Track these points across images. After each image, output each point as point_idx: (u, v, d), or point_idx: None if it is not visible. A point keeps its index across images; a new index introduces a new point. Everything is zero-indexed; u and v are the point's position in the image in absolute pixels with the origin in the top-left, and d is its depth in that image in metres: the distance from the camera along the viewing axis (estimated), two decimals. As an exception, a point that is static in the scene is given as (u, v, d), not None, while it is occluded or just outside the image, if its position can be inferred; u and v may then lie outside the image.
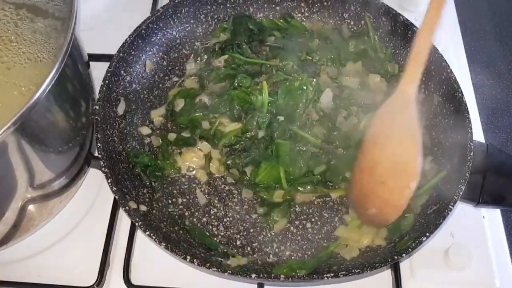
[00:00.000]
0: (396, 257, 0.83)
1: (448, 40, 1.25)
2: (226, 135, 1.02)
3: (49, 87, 0.72)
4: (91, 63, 1.06)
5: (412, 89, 0.82)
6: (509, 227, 1.03)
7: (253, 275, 0.81)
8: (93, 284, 0.90)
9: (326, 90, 1.05)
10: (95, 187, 1.04)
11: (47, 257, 0.96)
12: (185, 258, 0.81)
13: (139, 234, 0.98)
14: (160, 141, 1.04)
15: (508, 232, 1.02)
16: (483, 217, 1.02)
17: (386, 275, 0.95)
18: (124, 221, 1.00)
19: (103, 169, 0.89)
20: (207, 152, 1.03)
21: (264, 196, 0.98)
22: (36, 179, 0.84)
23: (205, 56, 1.14)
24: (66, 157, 0.91)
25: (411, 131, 0.80)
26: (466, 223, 1.00)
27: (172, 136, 1.04)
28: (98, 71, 1.02)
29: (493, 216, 1.02)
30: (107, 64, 1.00)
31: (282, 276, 0.82)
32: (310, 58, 1.12)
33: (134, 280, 0.92)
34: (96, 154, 0.99)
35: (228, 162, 1.00)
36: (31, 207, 0.88)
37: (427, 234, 0.83)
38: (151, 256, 0.96)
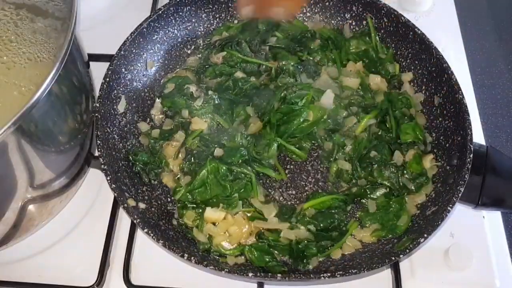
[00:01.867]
0: (393, 258, 0.83)
1: (448, 40, 1.25)
2: (192, 133, 1.02)
3: (49, 87, 0.72)
4: (91, 63, 1.06)
5: None
6: (509, 227, 1.03)
7: (250, 274, 0.81)
8: (93, 284, 0.90)
9: (327, 91, 1.04)
10: (95, 187, 1.04)
11: (47, 257, 0.96)
12: (182, 256, 0.81)
13: (139, 234, 0.98)
14: (148, 140, 1.04)
15: (508, 232, 1.02)
16: (483, 217, 1.02)
17: (386, 275, 0.95)
18: (124, 221, 1.00)
19: (102, 166, 0.89)
20: (181, 141, 1.02)
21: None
22: (36, 179, 0.84)
23: (206, 52, 1.14)
24: (66, 157, 0.91)
25: None
26: (466, 223, 1.00)
27: (156, 132, 1.04)
28: (98, 71, 1.02)
29: (493, 216, 1.02)
30: (107, 64, 1.00)
31: (279, 275, 0.82)
32: (311, 58, 1.12)
33: (134, 280, 0.92)
34: (96, 154, 0.99)
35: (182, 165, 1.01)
36: (31, 207, 0.88)
37: (425, 235, 0.83)
38: (151, 256, 0.96)
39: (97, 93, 0.97)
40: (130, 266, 0.93)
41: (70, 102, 0.87)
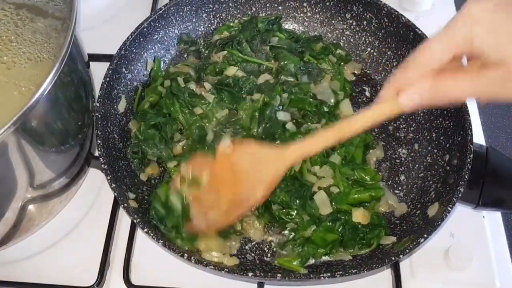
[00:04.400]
0: (393, 258, 0.83)
1: (448, 40, 1.25)
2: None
3: (49, 87, 0.72)
4: (91, 63, 1.06)
5: (293, 158, 0.77)
6: (509, 227, 1.03)
7: (250, 274, 0.81)
8: (93, 284, 0.90)
9: (345, 101, 1.06)
10: (95, 187, 1.04)
11: (47, 257, 0.96)
12: (182, 256, 0.81)
13: (139, 234, 0.98)
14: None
15: (508, 232, 1.02)
16: (483, 217, 1.02)
17: (386, 275, 0.95)
18: (124, 221, 1.00)
19: (102, 165, 0.88)
20: None
21: None
22: (36, 179, 0.84)
23: (206, 52, 1.14)
24: (66, 157, 0.91)
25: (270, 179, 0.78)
26: (466, 223, 1.00)
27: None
28: (98, 71, 1.02)
29: (493, 216, 1.02)
30: (107, 64, 0.99)
31: (279, 275, 0.82)
32: (315, 62, 1.12)
33: (134, 280, 0.92)
34: (96, 154, 0.99)
35: None
36: (31, 207, 0.88)
37: (425, 235, 0.83)
38: (151, 256, 0.96)
39: (97, 93, 0.97)
40: (130, 266, 0.93)
41: (70, 102, 0.87)
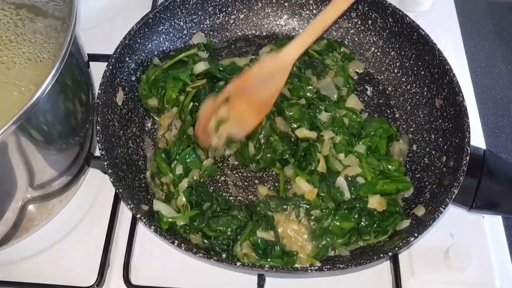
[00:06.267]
0: (382, 255, 0.83)
1: (448, 40, 1.25)
2: None
3: (49, 87, 0.73)
4: (91, 63, 1.06)
5: (293, 56, 0.92)
6: (509, 227, 1.03)
7: (238, 264, 0.81)
8: (93, 284, 0.90)
9: (351, 96, 1.08)
10: (95, 187, 1.04)
11: (47, 257, 0.96)
12: (173, 243, 0.81)
13: (139, 234, 0.98)
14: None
15: (508, 232, 1.02)
16: (483, 217, 1.02)
17: (386, 274, 0.96)
18: (124, 221, 1.00)
19: (100, 152, 0.88)
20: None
21: None
22: (36, 179, 0.84)
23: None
24: (66, 157, 0.91)
25: (272, 93, 0.95)
26: (466, 223, 1.00)
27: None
28: (98, 71, 1.02)
29: (493, 216, 1.02)
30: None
31: (266, 266, 0.82)
32: (319, 57, 1.12)
33: (134, 280, 0.92)
34: (96, 154, 0.99)
35: None
36: (31, 207, 0.88)
37: (416, 234, 0.83)
38: (151, 256, 0.96)
39: (96, 92, 0.97)
40: (130, 266, 0.93)
41: (70, 102, 0.87)
